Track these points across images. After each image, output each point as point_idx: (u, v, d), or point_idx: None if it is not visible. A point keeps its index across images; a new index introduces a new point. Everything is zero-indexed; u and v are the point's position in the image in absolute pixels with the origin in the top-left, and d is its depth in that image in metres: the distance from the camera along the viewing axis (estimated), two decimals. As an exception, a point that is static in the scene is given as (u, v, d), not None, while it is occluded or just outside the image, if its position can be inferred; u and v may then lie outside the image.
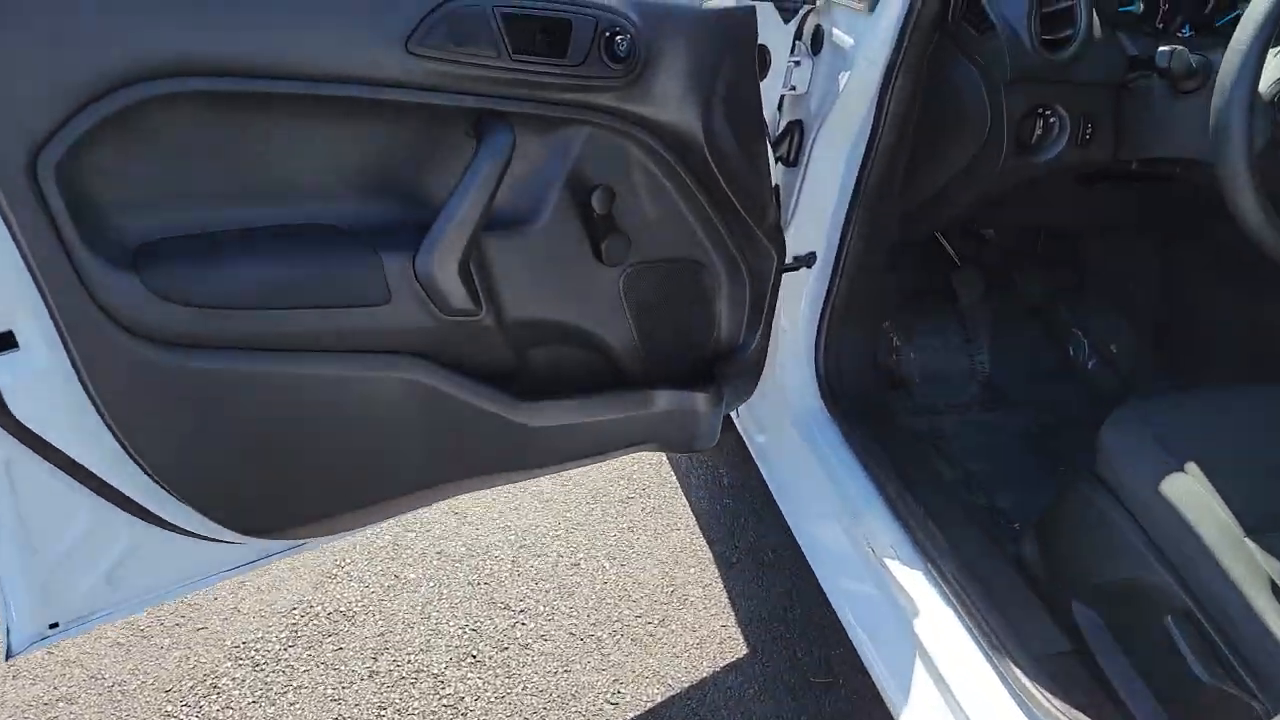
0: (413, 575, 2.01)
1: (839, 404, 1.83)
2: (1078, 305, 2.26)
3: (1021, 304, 2.28)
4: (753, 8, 1.31)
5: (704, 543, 2.19)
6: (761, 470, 1.90)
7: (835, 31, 1.59)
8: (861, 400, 1.85)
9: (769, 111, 1.70)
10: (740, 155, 1.37)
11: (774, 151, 1.71)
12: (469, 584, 2.00)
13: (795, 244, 1.68)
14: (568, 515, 2.24)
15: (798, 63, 1.67)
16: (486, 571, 2.04)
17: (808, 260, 1.80)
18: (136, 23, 0.90)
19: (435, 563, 2.05)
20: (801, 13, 1.61)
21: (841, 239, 1.73)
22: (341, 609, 1.90)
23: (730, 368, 1.56)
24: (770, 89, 1.63)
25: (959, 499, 1.72)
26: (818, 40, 1.66)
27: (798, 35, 1.66)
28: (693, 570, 2.10)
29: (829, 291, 1.79)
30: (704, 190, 1.36)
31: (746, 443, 2.00)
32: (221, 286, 1.03)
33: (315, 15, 0.99)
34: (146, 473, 1.10)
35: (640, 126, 1.26)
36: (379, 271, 1.13)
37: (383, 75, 1.04)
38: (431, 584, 1.99)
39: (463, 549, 2.09)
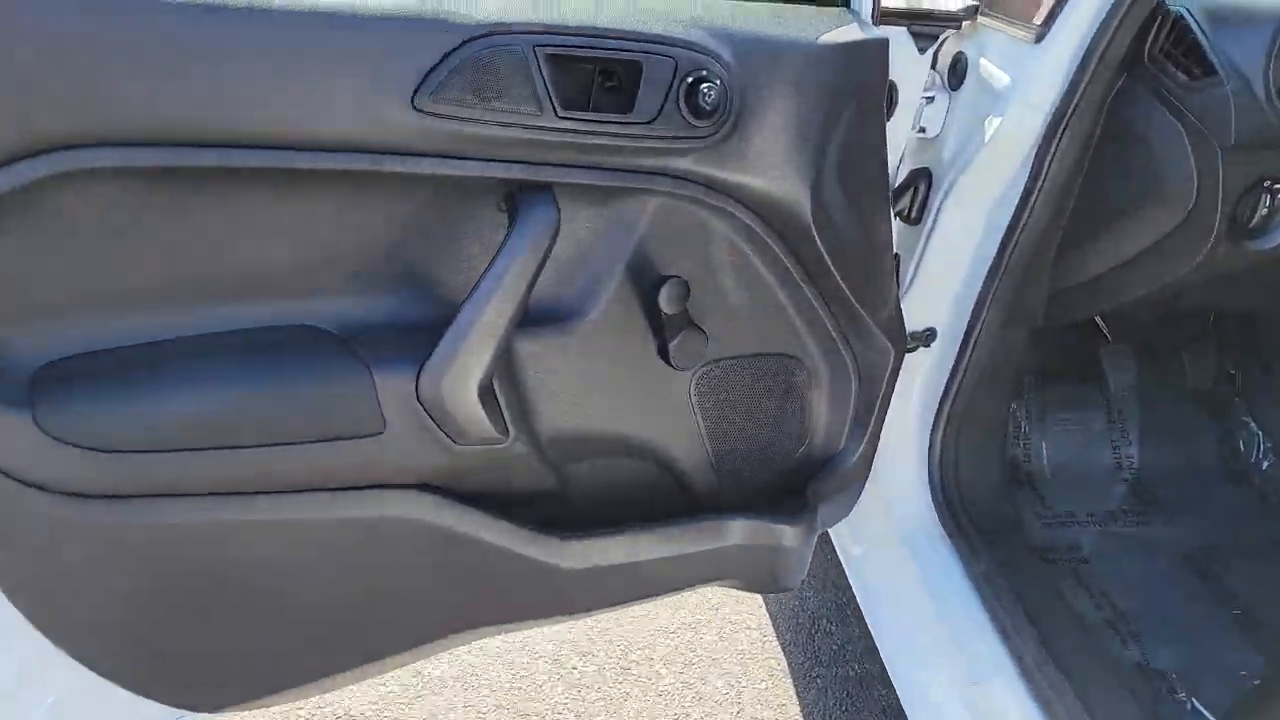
0: (438, 673, 1.74)
1: (956, 518, 1.50)
2: (1254, 392, 1.85)
3: (1181, 387, 1.88)
4: (885, 41, 0.98)
5: (778, 649, 1.87)
6: (855, 590, 1.57)
7: (984, 64, 1.25)
8: (985, 512, 1.51)
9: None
10: (856, 230, 1.05)
11: (893, 205, 1.37)
12: (500, 689, 1.72)
13: (910, 317, 1.35)
14: (621, 604, 1.94)
15: (931, 98, 1.33)
16: (522, 673, 1.76)
17: (925, 339, 1.46)
18: (30, 76, 0.63)
19: (466, 658, 1.78)
20: (941, 37, 1.26)
21: (972, 319, 1.40)
22: (352, 713, 1.65)
23: (826, 484, 1.24)
24: (892, 128, 1.29)
25: (1110, 657, 1.36)
26: (958, 71, 1.31)
27: (933, 64, 1.32)
28: (763, 685, 1.79)
29: (950, 381, 1.45)
30: (806, 274, 1.05)
31: (837, 549, 1.67)
32: (147, 425, 0.76)
33: (287, 64, 0.71)
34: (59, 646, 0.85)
35: (727, 196, 0.95)
36: (369, 394, 0.85)
37: (380, 140, 0.75)
38: (458, 685, 1.72)
39: (497, 642, 1.82)
